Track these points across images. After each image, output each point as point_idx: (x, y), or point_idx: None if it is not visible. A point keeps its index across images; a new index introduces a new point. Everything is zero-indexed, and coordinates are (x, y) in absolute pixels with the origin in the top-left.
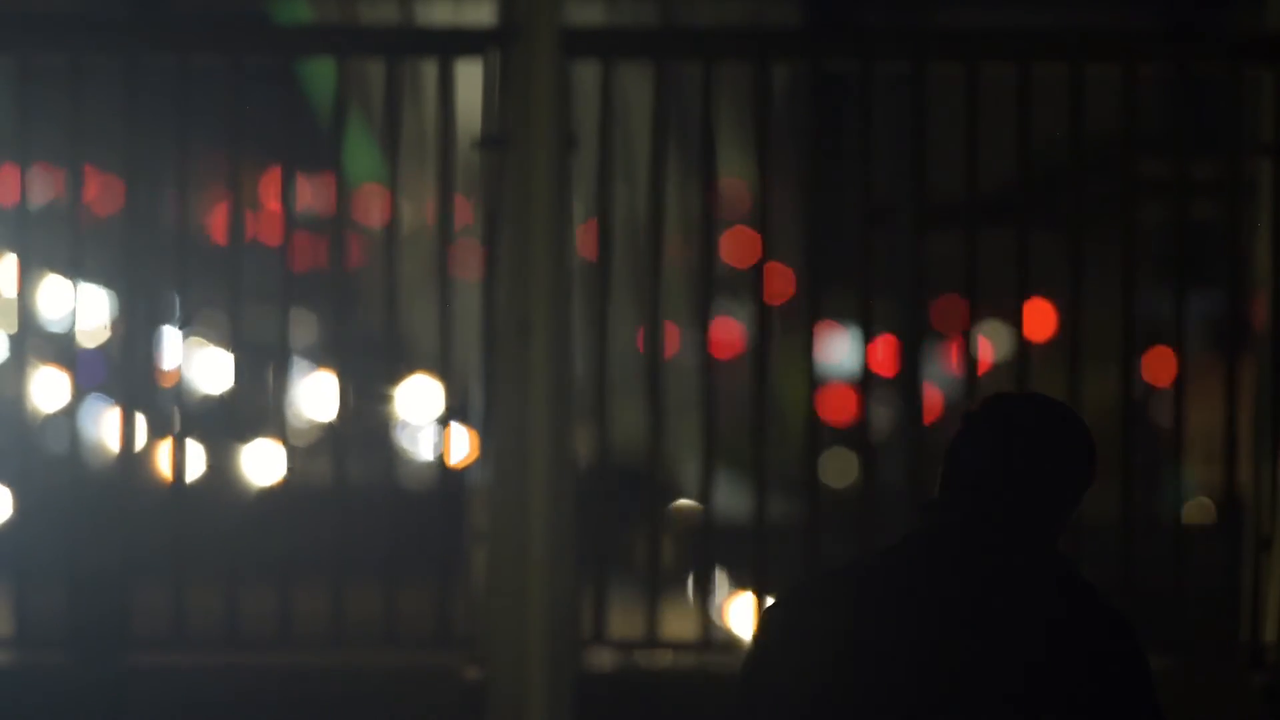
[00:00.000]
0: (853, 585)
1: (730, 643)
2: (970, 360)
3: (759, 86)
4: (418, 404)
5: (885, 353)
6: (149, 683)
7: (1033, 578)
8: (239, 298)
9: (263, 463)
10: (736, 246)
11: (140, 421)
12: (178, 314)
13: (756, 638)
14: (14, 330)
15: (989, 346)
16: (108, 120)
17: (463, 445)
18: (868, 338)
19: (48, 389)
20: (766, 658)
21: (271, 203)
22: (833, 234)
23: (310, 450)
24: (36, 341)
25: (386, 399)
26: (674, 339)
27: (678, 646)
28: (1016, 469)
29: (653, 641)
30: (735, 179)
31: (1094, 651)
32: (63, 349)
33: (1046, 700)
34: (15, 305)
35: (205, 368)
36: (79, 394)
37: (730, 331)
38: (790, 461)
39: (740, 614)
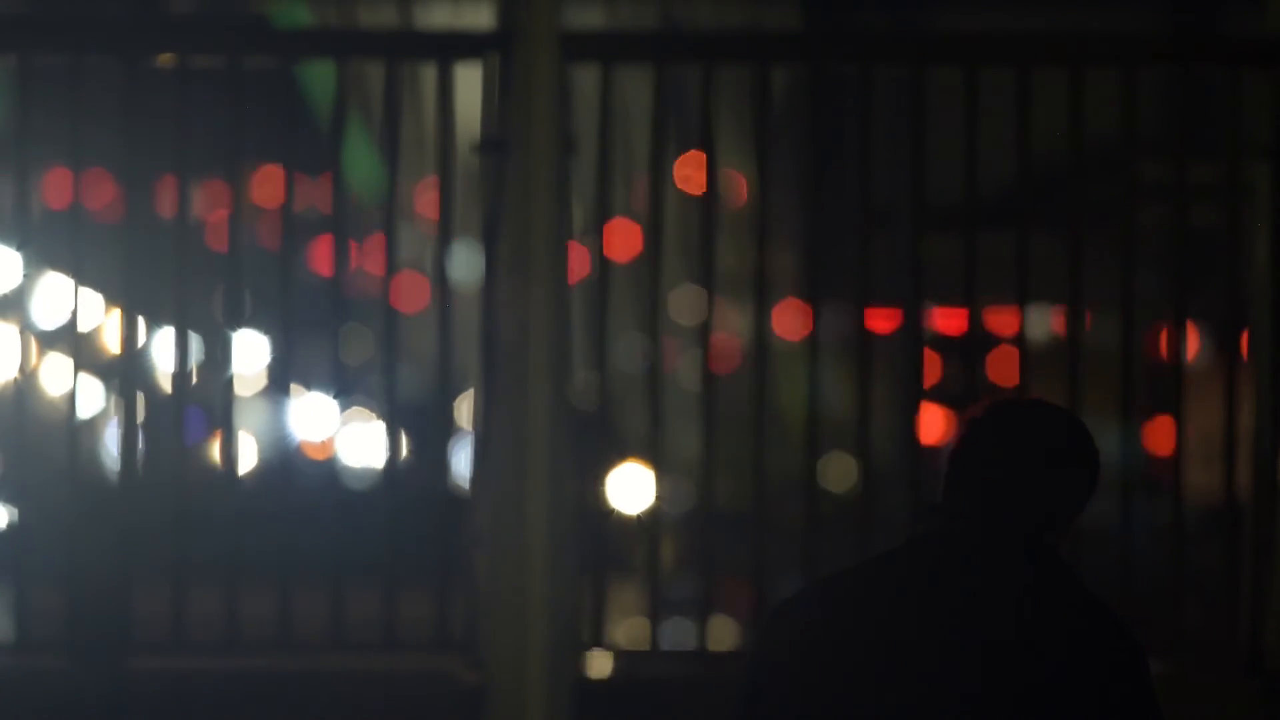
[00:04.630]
0: (854, 590)
1: (729, 648)
2: (972, 364)
3: (758, 90)
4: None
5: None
6: (148, 687)
7: (1035, 585)
8: (237, 294)
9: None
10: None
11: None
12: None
13: (756, 643)
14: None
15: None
16: (107, 123)
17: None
18: (867, 344)
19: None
20: (766, 664)
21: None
22: (832, 237)
23: None
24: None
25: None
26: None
27: (677, 652)
28: (1021, 475)
29: (652, 647)
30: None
31: (1095, 657)
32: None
33: (1048, 707)
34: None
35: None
36: (181, 451)
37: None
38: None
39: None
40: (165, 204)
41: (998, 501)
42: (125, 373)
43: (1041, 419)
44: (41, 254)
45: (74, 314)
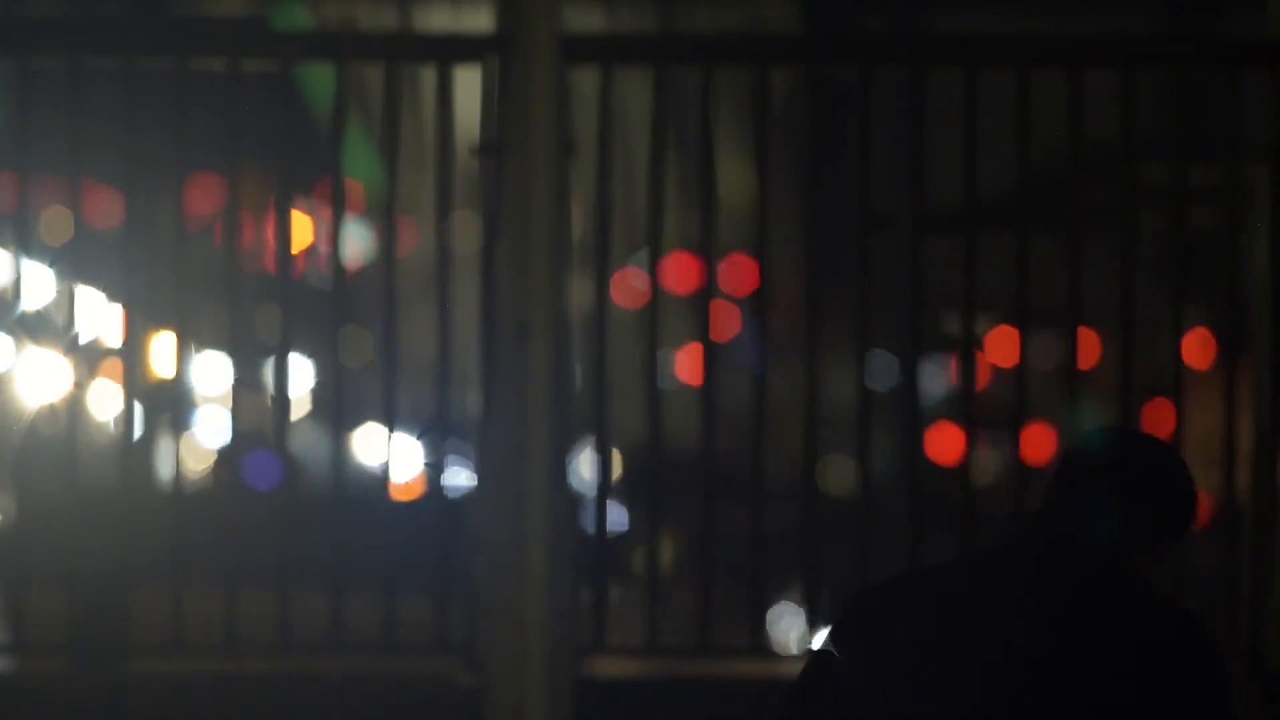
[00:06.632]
0: (925, 594)
1: (729, 650)
2: (968, 369)
3: (758, 92)
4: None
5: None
6: (148, 689)
7: (1110, 605)
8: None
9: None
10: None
11: (140, 425)
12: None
13: (829, 633)
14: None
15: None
16: (107, 124)
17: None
18: (866, 344)
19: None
20: (830, 662)
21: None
22: (831, 240)
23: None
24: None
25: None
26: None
27: (677, 653)
28: (1108, 500)
29: (652, 648)
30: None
31: (1167, 670)
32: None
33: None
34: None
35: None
36: (257, 499)
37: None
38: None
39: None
40: (166, 209)
41: (1079, 522)
42: (126, 375)
43: (1144, 450)
44: (43, 261)
45: (71, 317)
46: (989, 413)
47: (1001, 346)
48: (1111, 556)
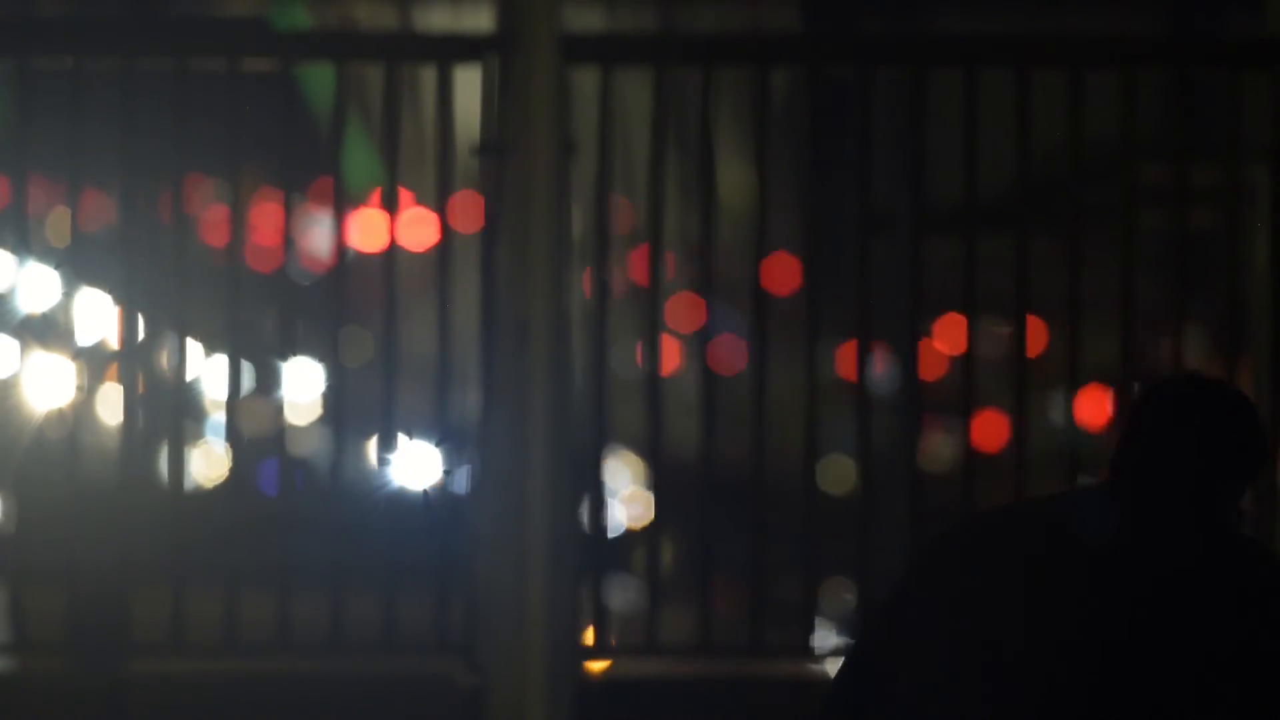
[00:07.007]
0: (1010, 543)
1: (729, 649)
2: (970, 367)
3: (758, 92)
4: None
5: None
6: (148, 689)
7: (1200, 558)
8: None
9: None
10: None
11: (140, 426)
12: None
13: (908, 572)
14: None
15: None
16: (107, 125)
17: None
18: (865, 344)
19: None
20: (911, 596)
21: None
22: (831, 240)
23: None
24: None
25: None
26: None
27: (677, 653)
28: (1195, 456)
29: (652, 648)
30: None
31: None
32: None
33: (1215, 685)
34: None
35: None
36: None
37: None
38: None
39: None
40: (165, 210)
41: (1164, 480)
42: (126, 377)
43: (1213, 394)
44: (40, 258)
45: (69, 314)
46: (941, 400)
47: (951, 336)
48: (1199, 501)
